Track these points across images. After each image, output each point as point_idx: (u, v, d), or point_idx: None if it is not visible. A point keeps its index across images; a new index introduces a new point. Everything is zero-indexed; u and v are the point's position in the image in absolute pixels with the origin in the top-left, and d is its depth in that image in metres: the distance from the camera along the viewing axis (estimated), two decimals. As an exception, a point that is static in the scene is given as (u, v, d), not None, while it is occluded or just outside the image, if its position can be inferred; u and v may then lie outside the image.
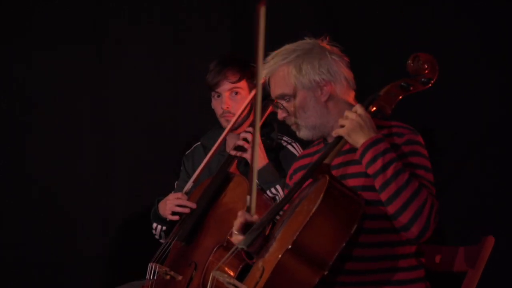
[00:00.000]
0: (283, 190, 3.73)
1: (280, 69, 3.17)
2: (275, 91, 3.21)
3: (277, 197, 3.82)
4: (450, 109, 4.02)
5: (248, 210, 3.11)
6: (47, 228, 5.31)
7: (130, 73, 5.29)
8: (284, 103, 3.19)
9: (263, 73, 3.15)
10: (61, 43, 5.31)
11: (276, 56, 3.18)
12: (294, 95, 3.16)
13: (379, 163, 2.95)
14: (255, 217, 3.10)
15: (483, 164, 3.92)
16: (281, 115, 3.22)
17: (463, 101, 3.99)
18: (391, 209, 2.95)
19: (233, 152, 3.93)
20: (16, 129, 5.34)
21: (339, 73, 3.16)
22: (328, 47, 3.18)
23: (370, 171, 2.97)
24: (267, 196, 3.84)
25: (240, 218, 3.10)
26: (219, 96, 4.04)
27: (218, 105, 4.06)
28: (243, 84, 4.01)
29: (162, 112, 5.24)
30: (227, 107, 4.01)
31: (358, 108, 3.03)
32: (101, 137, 5.31)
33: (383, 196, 2.96)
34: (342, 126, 3.02)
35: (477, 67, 3.98)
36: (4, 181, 5.32)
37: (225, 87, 4.01)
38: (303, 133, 3.20)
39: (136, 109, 5.28)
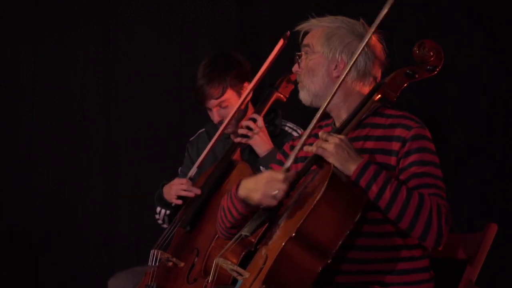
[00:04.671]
0: None
1: (320, 28, 3.18)
2: (305, 39, 3.22)
3: None
4: (453, 97, 4.02)
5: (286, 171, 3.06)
6: (53, 214, 5.33)
7: (136, 59, 5.31)
8: (303, 55, 3.20)
9: (307, 25, 3.20)
10: (67, 30, 5.38)
11: (323, 21, 3.20)
12: (312, 52, 3.16)
13: (374, 190, 2.91)
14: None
15: (487, 151, 3.93)
16: (295, 67, 3.23)
17: (467, 89, 4.00)
18: (401, 227, 2.94)
19: (237, 140, 3.95)
20: (21, 119, 5.39)
21: (362, 67, 3.14)
22: (372, 42, 3.16)
23: (370, 196, 2.94)
24: None
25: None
26: (210, 109, 4.11)
27: (212, 117, 4.13)
28: (228, 94, 4.04)
29: (166, 99, 5.25)
30: (218, 120, 4.08)
31: (340, 136, 2.99)
32: (106, 123, 5.33)
33: (390, 217, 2.94)
34: (321, 147, 2.97)
35: (481, 55, 3.98)
36: (11, 170, 5.35)
37: (212, 103, 4.06)
38: (303, 96, 3.20)
39: (141, 96, 5.29)
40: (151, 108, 5.29)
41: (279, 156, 3.36)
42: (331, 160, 2.94)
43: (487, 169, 3.94)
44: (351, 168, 2.94)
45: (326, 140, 2.96)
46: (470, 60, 4.01)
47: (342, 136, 2.97)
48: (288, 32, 3.86)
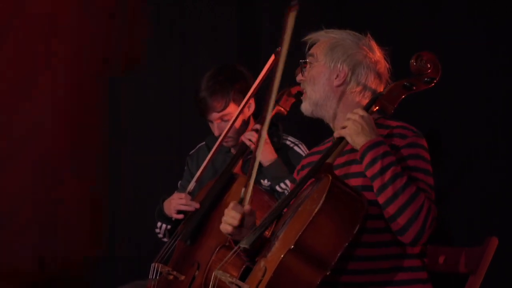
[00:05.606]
0: None
1: (326, 38, 3.22)
2: (311, 49, 3.26)
3: (286, 192, 3.85)
4: (454, 109, 4.01)
5: (241, 201, 3.15)
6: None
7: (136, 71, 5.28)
8: (307, 65, 3.23)
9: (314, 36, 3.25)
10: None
11: (330, 32, 3.24)
12: (316, 61, 3.20)
13: (377, 166, 2.95)
14: (246, 208, 3.13)
15: (487, 164, 3.92)
16: (299, 77, 3.27)
17: (467, 101, 3.99)
18: (387, 213, 2.95)
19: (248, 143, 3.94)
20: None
21: (362, 80, 3.17)
22: (376, 57, 3.20)
23: (369, 173, 2.98)
24: (268, 197, 3.86)
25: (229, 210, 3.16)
26: (211, 122, 4.12)
27: (212, 129, 4.15)
28: (230, 108, 4.05)
29: (166, 99, 5.23)
30: (219, 133, 4.08)
31: (360, 110, 3.04)
32: (107, 136, 5.31)
33: (380, 199, 2.96)
34: (344, 127, 3.03)
35: (481, 66, 3.97)
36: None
37: (214, 116, 4.08)
38: (304, 106, 3.23)
39: (140, 108, 5.27)
40: (151, 108, 5.28)
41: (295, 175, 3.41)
42: (342, 133, 3.01)
43: (487, 182, 3.93)
44: (360, 141, 2.98)
45: (348, 118, 3.03)
46: (470, 68, 4.00)
47: (363, 113, 3.01)
48: (279, 48, 3.85)
